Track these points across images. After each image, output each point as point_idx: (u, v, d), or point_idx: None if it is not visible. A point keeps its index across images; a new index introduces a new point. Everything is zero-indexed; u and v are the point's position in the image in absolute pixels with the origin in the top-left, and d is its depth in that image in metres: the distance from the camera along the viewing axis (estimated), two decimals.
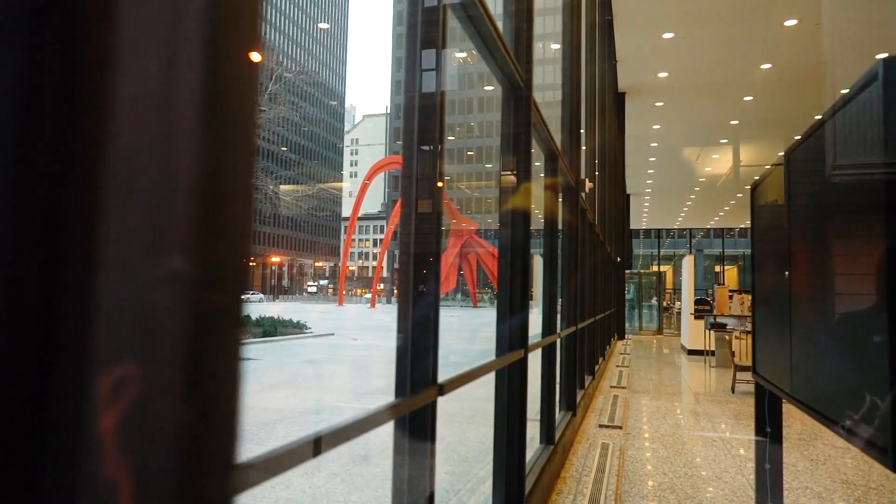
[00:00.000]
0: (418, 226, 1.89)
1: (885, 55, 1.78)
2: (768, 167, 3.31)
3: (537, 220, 5.00)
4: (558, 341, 5.27)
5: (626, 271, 22.92)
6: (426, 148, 1.91)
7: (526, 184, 3.23)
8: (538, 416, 5.33)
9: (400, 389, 1.86)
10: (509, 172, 3.19)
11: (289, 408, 7.03)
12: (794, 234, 2.71)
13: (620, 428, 5.92)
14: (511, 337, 3.15)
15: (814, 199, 2.43)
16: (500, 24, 3.25)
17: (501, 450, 3.13)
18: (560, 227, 5.59)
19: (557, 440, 4.58)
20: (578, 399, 6.21)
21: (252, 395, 7.83)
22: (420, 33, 1.91)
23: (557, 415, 5.49)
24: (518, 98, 3.20)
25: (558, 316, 5.88)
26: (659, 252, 47.41)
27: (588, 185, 5.99)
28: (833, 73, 13.37)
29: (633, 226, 37.62)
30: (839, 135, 2.11)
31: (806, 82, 14.17)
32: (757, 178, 3.58)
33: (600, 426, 5.97)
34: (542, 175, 4.80)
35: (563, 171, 4.97)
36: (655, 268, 39.11)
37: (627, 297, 22.47)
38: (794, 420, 6.03)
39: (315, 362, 11.55)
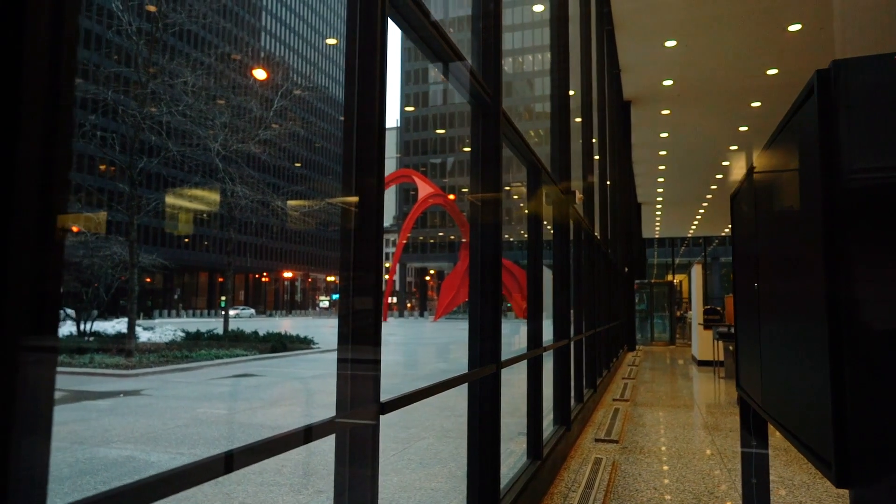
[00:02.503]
0: (358, 244, 1.90)
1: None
2: (743, 175, 3.27)
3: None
4: (549, 354, 5.22)
5: (638, 281, 22.72)
6: (366, 169, 1.92)
7: (496, 199, 3.23)
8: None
9: (340, 406, 1.86)
10: (478, 188, 3.18)
11: (285, 424, 7.03)
12: (760, 246, 2.67)
13: (617, 442, 5.83)
14: (482, 352, 3.14)
15: (771, 213, 2.40)
16: (468, 39, 3.27)
17: (475, 467, 3.10)
18: (549, 240, 5.56)
19: (546, 455, 4.53)
20: (575, 413, 6.15)
21: (250, 412, 7.86)
22: (358, 55, 1.92)
23: (550, 429, 5.43)
24: (486, 114, 3.21)
25: (551, 328, 5.84)
26: (673, 261, 46.99)
27: (578, 196, 5.96)
28: None
29: (645, 235, 37.39)
30: (787, 148, 2.09)
31: None
32: (736, 186, 3.54)
33: (596, 440, 5.90)
34: (533, 189, 4.78)
35: (547, 184, 4.96)
36: (670, 277, 38.77)
37: (639, 307, 22.24)
38: None
39: (318, 378, 11.56)
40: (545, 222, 6.29)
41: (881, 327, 1.60)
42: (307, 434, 1.64)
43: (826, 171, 1.67)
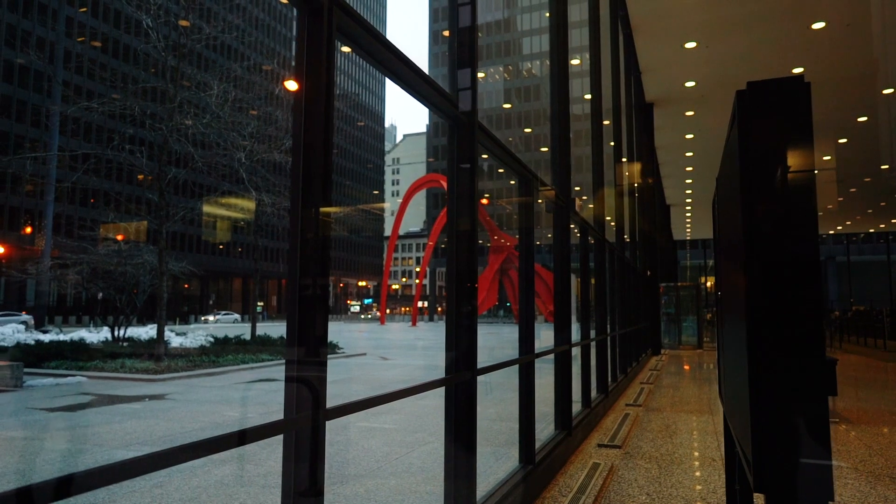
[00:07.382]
0: (304, 254, 2.00)
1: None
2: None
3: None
4: (544, 359, 5.26)
5: (666, 284, 22.40)
6: (312, 181, 2.02)
7: (471, 210, 3.31)
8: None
9: (287, 410, 1.96)
10: (454, 200, 3.27)
11: None
12: (722, 254, 2.70)
13: (620, 447, 5.82)
14: (457, 358, 3.21)
15: (722, 221, 2.43)
16: (441, 53, 3.35)
17: (451, 471, 3.17)
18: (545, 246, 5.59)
19: (540, 460, 4.57)
20: (579, 418, 6.16)
21: (266, 416, 8.07)
22: (305, 76, 2.04)
23: (550, 434, 5.46)
24: (460, 128, 3.29)
25: (551, 333, 5.87)
26: (706, 263, 46.06)
27: (578, 203, 5.98)
28: (876, 73, 12.92)
29: (676, 237, 36.77)
30: (729, 161, 2.13)
31: (844, 83, 13.71)
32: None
33: (599, 446, 5.89)
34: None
35: (542, 191, 5.01)
36: (703, 279, 38.00)
37: (667, 310, 21.87)
38: None
39: (336, 382, 11.76)
40: (543, 229, 6.33)
41: (795, 335, 1.63)
42: (253, 433, 1.77)
43: (744, 184, 1.72)
